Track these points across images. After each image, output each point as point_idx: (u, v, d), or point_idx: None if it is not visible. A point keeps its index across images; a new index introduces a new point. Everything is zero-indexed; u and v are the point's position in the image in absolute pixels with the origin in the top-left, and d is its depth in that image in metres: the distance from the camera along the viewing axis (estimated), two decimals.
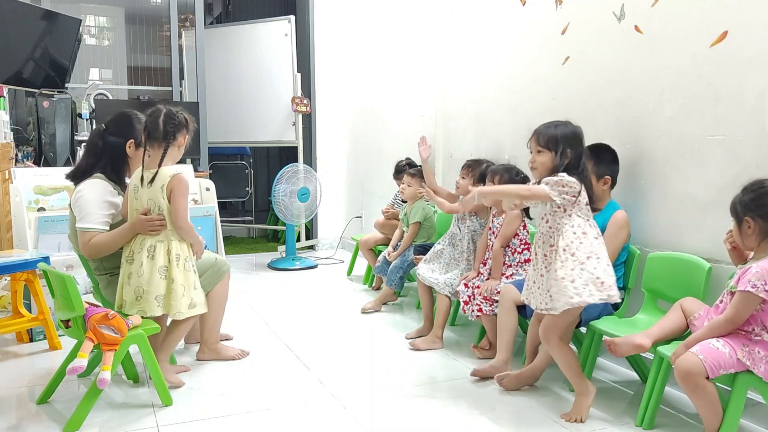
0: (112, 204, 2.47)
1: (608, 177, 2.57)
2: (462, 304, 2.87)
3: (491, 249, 2.89)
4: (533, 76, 3.26)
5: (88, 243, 2.39)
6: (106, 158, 2.52)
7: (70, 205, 2.49)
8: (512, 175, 2.82)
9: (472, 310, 2.81)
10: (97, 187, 2.45)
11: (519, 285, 2.58)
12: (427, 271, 3.16)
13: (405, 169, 4.07)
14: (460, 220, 3.18)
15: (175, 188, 2.33)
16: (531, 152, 2.24)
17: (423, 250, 3.59)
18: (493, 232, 2.89)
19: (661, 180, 2.54)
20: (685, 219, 2.44)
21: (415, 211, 3.74)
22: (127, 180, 2.58)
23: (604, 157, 2.58)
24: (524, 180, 2.83)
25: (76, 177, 2.52)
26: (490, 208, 3.09)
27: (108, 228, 2.42)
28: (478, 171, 3.16)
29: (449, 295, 3.04)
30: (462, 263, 3.12)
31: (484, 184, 3.11)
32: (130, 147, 2.54)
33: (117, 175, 2.55)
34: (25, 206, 3.39)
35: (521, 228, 2.82)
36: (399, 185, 4.07)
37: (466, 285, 2.89)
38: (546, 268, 2.17)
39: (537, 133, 2.22)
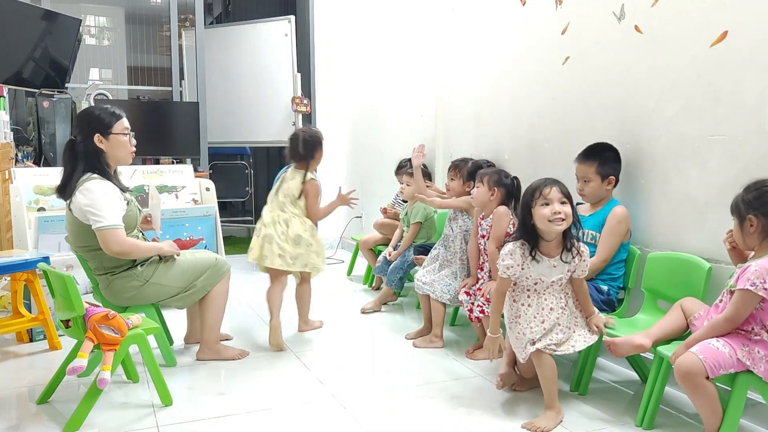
0: (120, 202, 2.47)
1: (612, 177, 2.57)
2: (467, 312, 2.86)
3: (485, 252, 2.88)
4: (533, 76, 3.26)
5: (123, 240, 2.39)
6: (84, 164, 2.45)
7: (69, 206, 2.45)
8: (501, 176, 2.82)
9: (475, 314, 2.80)
10: (105, 184, 2.44)
11: None
12: (423, 276, 3.14)
13: (405, 166, 4.07)
14: (452, 219, 3.17)
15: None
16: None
17: (423, 250, 3.59)
18: (483, 235, 2.88)
19: (661, 180, 2.54)
20: (685, 219, 2.44)
21: (416, 211, 3.74)
22: (122, 172, 2.58)
23: (609, 157, 2.58)
24: (513, 183, 2.84)
25: (63, 192, 2.48)
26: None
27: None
28: (465, 170, 3.17)
29: (447, 302, 3.04)
30: (455, 263, 3.09)
31: (473, 183, 3.08)
32: (101, 142, 2.48)
33: (102, 174, 2.48)
34: (25, 206, 3.40)
35: (511, 225, 2.80)
36: (400, 183, 4.07)
37: (467, 293, 2.89)
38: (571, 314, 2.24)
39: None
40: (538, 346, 2.14)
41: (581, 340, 2.21)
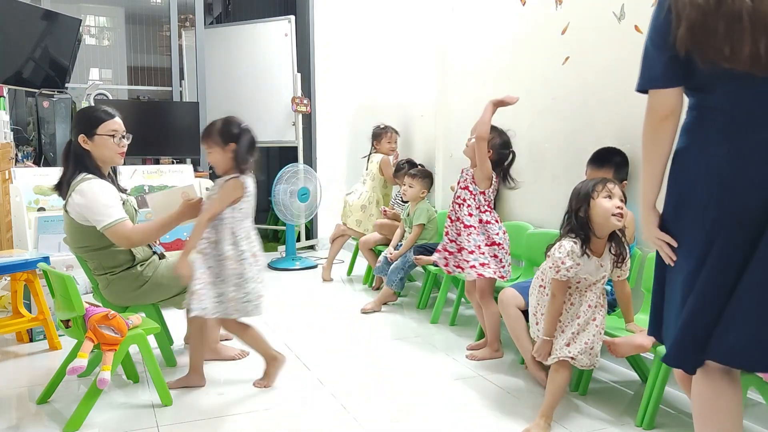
0: (118, 199, 2.47)
1: (626, 181, 2.58)
2: (443, 268, 2.89)
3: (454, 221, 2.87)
4: (533, 76, 3.26)
5: (129, 232, 2.38)
6: (75, 164, 2.46)
7: (65, 208, 2.45)
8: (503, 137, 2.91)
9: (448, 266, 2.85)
10: (98, 182, 2.43)
11: (520, 288, 2.57)
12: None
13: (404, 168, 4.07)
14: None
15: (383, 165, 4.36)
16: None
17: (424, 250, 3.59)
18: (459, 181, 2.89)
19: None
20: None
21: (419, 213, 3.74)
22: (122, 172, 2.57)
23: (619, 161, 2.59)
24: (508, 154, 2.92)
25: (61, 189, 2.49)
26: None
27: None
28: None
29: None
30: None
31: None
32: (85, 143, 2.47)
33: (95, 174, 2.46)
34: (25, 206, 3.40)
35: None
36: (400, 185, 4.07)
37: (437, 251, 2.92)
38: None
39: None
40: (572, 353, 2.12)
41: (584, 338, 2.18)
